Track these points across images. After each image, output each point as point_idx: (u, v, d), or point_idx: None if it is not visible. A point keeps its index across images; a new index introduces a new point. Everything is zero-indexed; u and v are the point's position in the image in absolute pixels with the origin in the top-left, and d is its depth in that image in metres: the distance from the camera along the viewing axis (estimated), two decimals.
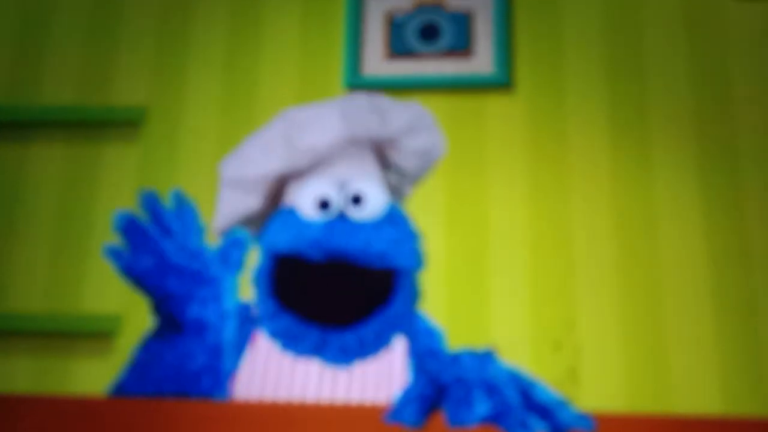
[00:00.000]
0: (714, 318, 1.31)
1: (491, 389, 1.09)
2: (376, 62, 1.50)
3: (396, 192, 1.06)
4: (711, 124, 1.43)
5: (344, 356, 0.97)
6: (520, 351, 1.31)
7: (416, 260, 1.00)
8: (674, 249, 1.36)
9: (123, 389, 1.06)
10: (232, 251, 1.02)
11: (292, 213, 0.95)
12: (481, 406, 1.06)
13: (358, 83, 1.48)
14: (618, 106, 1.45)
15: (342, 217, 0.93)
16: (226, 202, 1.03)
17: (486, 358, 1.19)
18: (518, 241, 1.37)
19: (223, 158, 1.30)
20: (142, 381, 0.96)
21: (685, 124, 1.44)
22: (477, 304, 1.34)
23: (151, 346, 1.03)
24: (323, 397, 1.08)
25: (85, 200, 1.48)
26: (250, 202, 1.00)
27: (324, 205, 0.91)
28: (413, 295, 1.09)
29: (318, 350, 0.94)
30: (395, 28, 1.53)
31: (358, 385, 1.12)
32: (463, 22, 1.51)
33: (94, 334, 1.38)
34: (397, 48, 1.51)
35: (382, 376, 1.13)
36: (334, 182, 0.92)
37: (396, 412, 1.08)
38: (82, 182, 1.50)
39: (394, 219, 0.97)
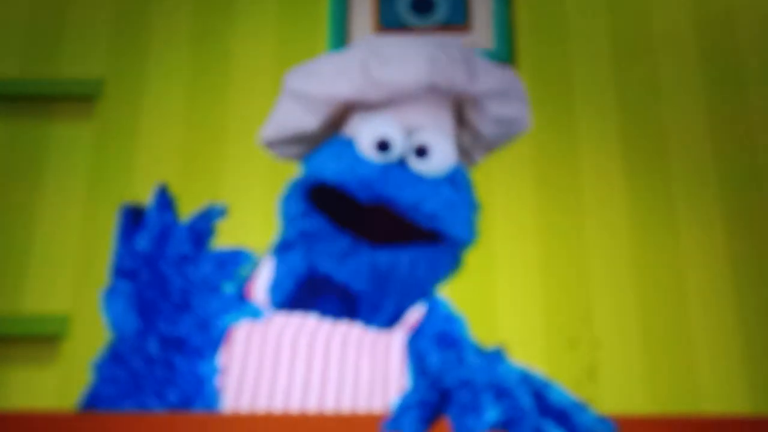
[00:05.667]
0: (739, 310, 1.30)
1: (501, 393, 1.00)
2: (364, 37, 1.46)
3: (466, 156, 1.03)
4: (724, 102, 1.43)
5: (367, 280, 0.87)
6: (533, 349, 1.28)
7: (468, 232, 0.94)
8: (696, 235, 1.35)
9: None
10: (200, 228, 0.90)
11: (349, 145, 0.91)
12: (490, 412, 0.98)
13: None
14: (627, 82, 1.44)
15: (402, 164, 0.88)
16: (281, 113, 1.01)
17: (494, 357, 1.11)
18: (528, 229, 1.36)
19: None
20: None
21: (698, 95, 1.43)
22: (484, 297, 1.31)
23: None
24: (310, 405, 1.00)
25: (30, 185, 1.41)
26: (307, 120, 0.96)
27: (384, 146, 0.87)
28: (451, 266, 1.00)
29: (342, 260, 0.86)
30: None
31: (350, 391, 1.05)
32: None
33: (38, 338, 1.33)
34: (388, 21, 1.48)
35: (377, 380, 1.04)
36: (401, 126, 0.89)
37: (394, 420, 1.00)
38: (28, 164, 1.42)
39: (457, 182, 0.95)
